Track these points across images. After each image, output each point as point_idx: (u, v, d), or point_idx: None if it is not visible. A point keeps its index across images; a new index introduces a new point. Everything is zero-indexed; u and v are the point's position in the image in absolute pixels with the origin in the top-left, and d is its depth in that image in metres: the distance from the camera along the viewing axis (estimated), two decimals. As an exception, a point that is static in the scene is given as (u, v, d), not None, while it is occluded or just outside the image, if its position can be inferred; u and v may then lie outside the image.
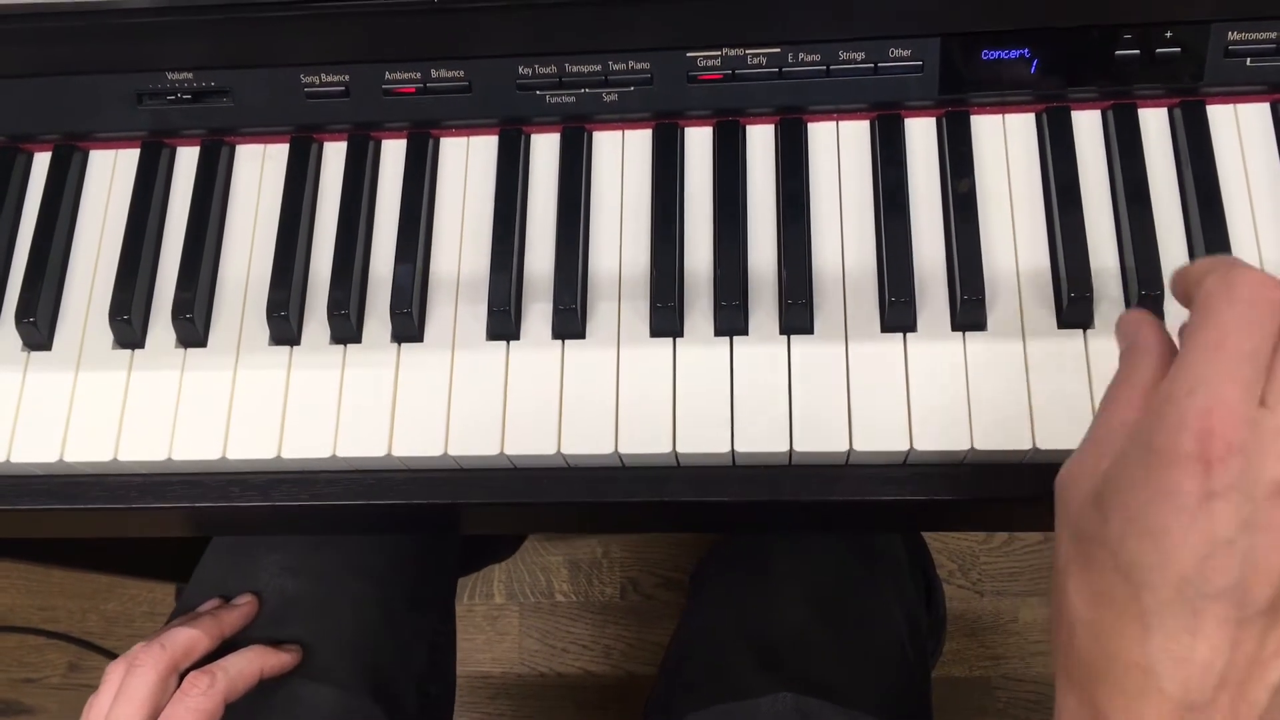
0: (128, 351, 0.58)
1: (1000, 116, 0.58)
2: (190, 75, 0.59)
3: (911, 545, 0.76)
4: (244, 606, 0.66)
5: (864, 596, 0.68)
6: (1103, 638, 0.38)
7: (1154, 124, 0.56)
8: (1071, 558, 0.39)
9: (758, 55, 0.57)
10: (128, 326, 0.58)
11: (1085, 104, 0.57)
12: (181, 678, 0.60)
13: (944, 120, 0.57)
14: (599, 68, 0.58)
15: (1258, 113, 0.56)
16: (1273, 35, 0.54)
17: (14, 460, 0.57)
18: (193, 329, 0.57)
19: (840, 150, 0.58)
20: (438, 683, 0.75)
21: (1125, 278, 0.54)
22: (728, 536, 0.75)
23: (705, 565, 0.76)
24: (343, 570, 0.69)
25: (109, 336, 0.59)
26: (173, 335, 0.58)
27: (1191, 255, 0.54)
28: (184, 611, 0.67)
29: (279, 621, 0.66)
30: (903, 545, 0.74)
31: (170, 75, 0.59)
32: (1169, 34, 0.54)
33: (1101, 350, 0.53)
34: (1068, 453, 0.42)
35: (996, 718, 1.29)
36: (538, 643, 1.38)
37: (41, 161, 0.62)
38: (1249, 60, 0.55)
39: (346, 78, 0.59)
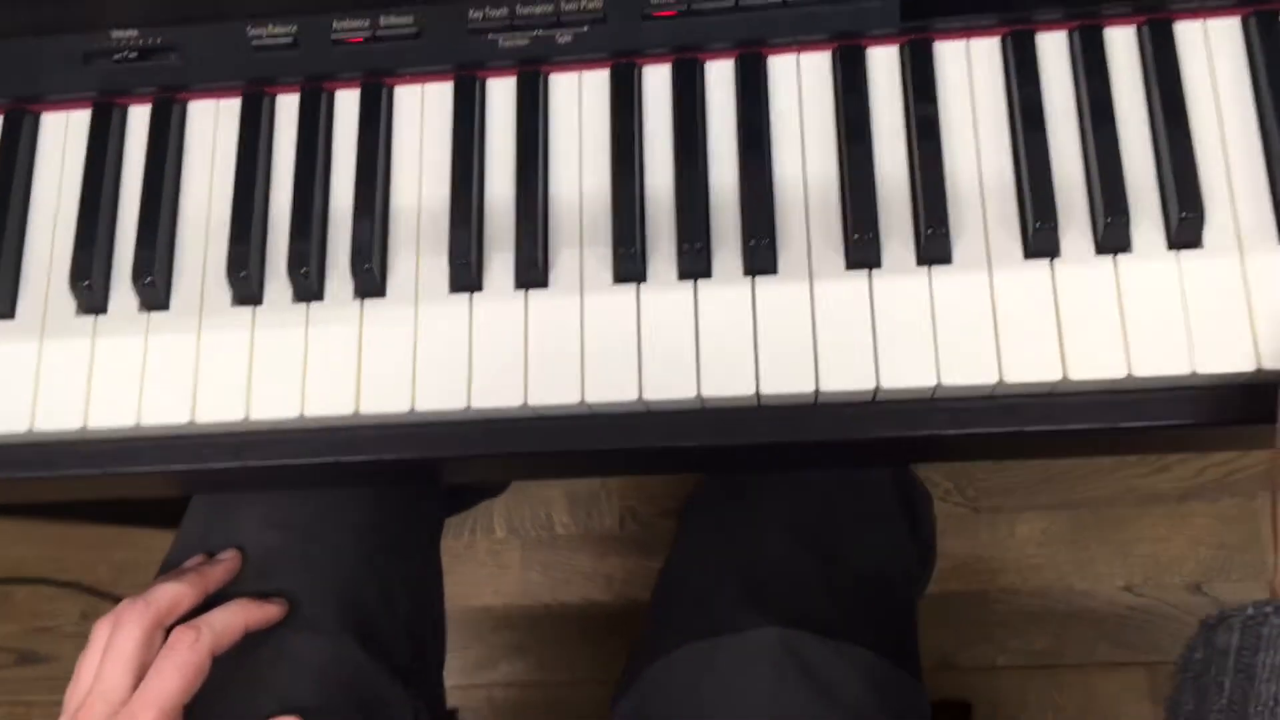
0: (91, 317, 0.58)
1: (964, 42, 0.56)
2: (136, 33, 0.58)
3: (896, 472, 0.76)
4: (227, 561, 0.66)
5: (848, 527, 0.68)
6: None
7: (1121, 43, 0.55)
8: None
9: (710, -10, 0.55)
10: (89, 292, 0.57)
11: (1051, 25, 0.55)
12: (168, 633, 0.61)
13: (906, 49, 0.56)
14: (551, 8, 0.56)
15: (1227, 28, 0.54)
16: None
17: (-15, 431, 0.57)
18: (154, 292, 0.57)
19: (801, 83, 0.57)
20: (425, 624, 0.76)
21: (1091, 201, 0.53)
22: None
23: (694, 499, 0.76)
24: (323, 522, 0.69)
25: (72, 303, 0.58)
26: (135, 299, 0.58)
27: (1159, 175, 0.53)
28: (169, 569, 0.68)
29: (263, 575, 0.67)
30: (887, 473, 0.74)
31: (115, 33, 0.58)
32: (1132, -52, 0.53)
33: (1069, 274, 0.52)
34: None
35: (996, 629, 1.31)
36: (540, 575, 1.40)
37: (-9, 125, 0.61)
38: (1211, -28, 0.53)
39: (294, 29, 0.58)
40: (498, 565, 1.41)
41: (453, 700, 0.93)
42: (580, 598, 1.38)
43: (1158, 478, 1.32)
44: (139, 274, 0.57)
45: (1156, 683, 1.27)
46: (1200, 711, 0.43)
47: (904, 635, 0.68)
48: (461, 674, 1.38)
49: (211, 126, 0.60)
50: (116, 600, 0.61)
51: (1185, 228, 0.51)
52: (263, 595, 0.66)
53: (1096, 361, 0.51)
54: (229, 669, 0.63)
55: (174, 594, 0.62)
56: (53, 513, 1.30)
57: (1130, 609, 1.29)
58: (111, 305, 0.58)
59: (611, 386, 0.54)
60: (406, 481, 0.72)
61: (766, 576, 0.66)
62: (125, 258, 0.58)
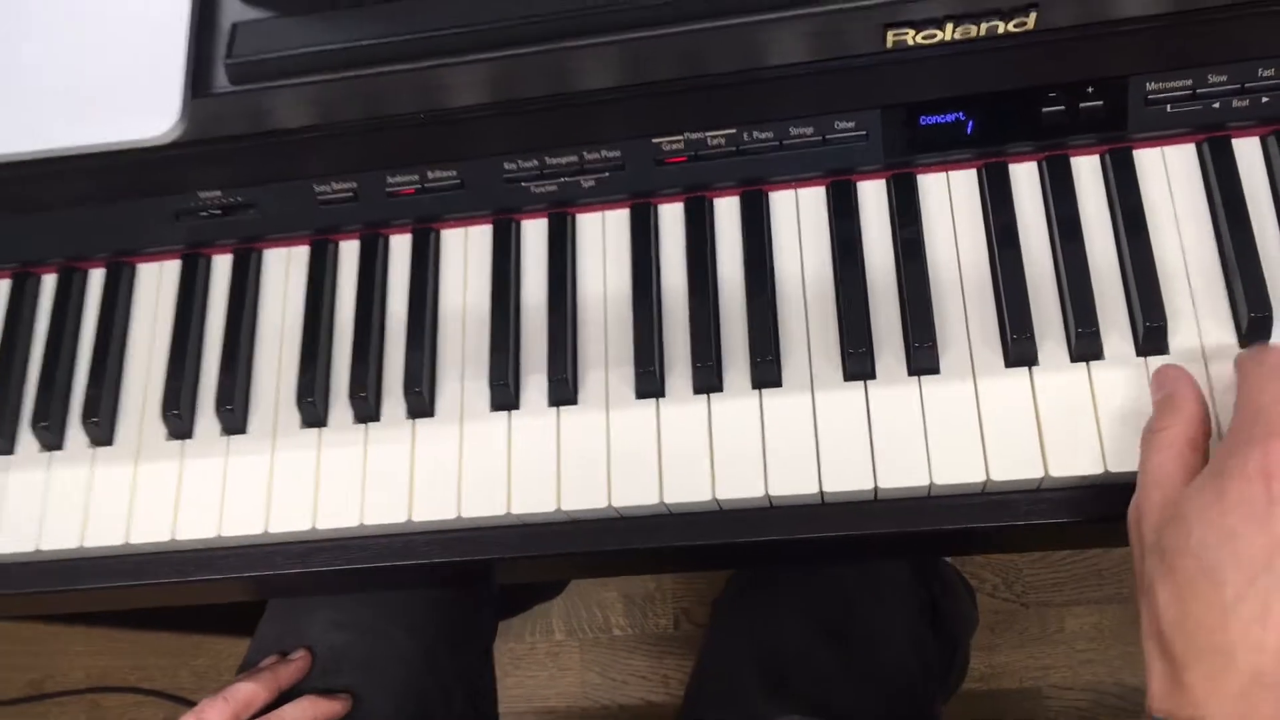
0: (179, 442, 0.66)
1: (945, 174, 0.62)
2: (219, 193, 0.67)
3: (919, 569, 0.80)
4: (298, 661, 0.73)
5: (866, 621, 0.73)
6: (1188, 631, 0.46)
7: (1087, 170, 0.61)
8: (1157, 573, 0.48)
9: (716, 137, 0.63)
10: (178, 419, 0.65)
11: (1023, 156, 0.62)
12: (246, 729, 0.67)
13: (892, 181, 0.63)
14: (575, 158, 0.64)
15: (1183, 153, 0.60)
16: (1188, 83, 0.58)
17: (86, 545, 0.64)
18: (233, 417, 0.65)
19: (800, 215, 0.64)
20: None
21: (1065, 314, 0.58)
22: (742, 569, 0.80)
23: (722, 596, 0.81)
24: (386, 622, 0.75)
25: (163, 429, 0.66)
26: (218, 424, 0.66)
27: (1125, 290, 0.58)
28: (245, 669, 0.74)
29: (330, 673, 0.73)
30: (906, 568, 0.78)
31: (201, 194, 0.67)
32: (1090, 90, 0.59)
33: (1049, 384, 0.57)
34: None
35: (1051, 727, 1.32)
36: (598, 676, 1.44)
37: (97, 277, 0.70)
38: (1169, 107, 0.59)
39: (354, 184, 0.66)
40: (558, 668, 1.45)
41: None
42: (638, 699, 1.42)
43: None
44: (222, 402, 0.65)
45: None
46: None
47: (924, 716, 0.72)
48: (526, 776, 1.42)
49: (284, 270, 0.68)
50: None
51: (1150, 336, 0.57)
52: (329, 692, 0.72)
53: (1074, 460, 0.56)
54: (298, 761, 0.69)
55: (250, 691, 0.69)
56: (136, 623, 1.38)
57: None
58: (197, 430, 0.66)
59: (635, 492, 0.60)
60: (458, 582, 0.78)
61: (787, 667, 0.70)
62: (209, 388, 0.66)
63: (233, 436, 0.65)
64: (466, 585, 0.81)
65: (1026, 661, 1.34)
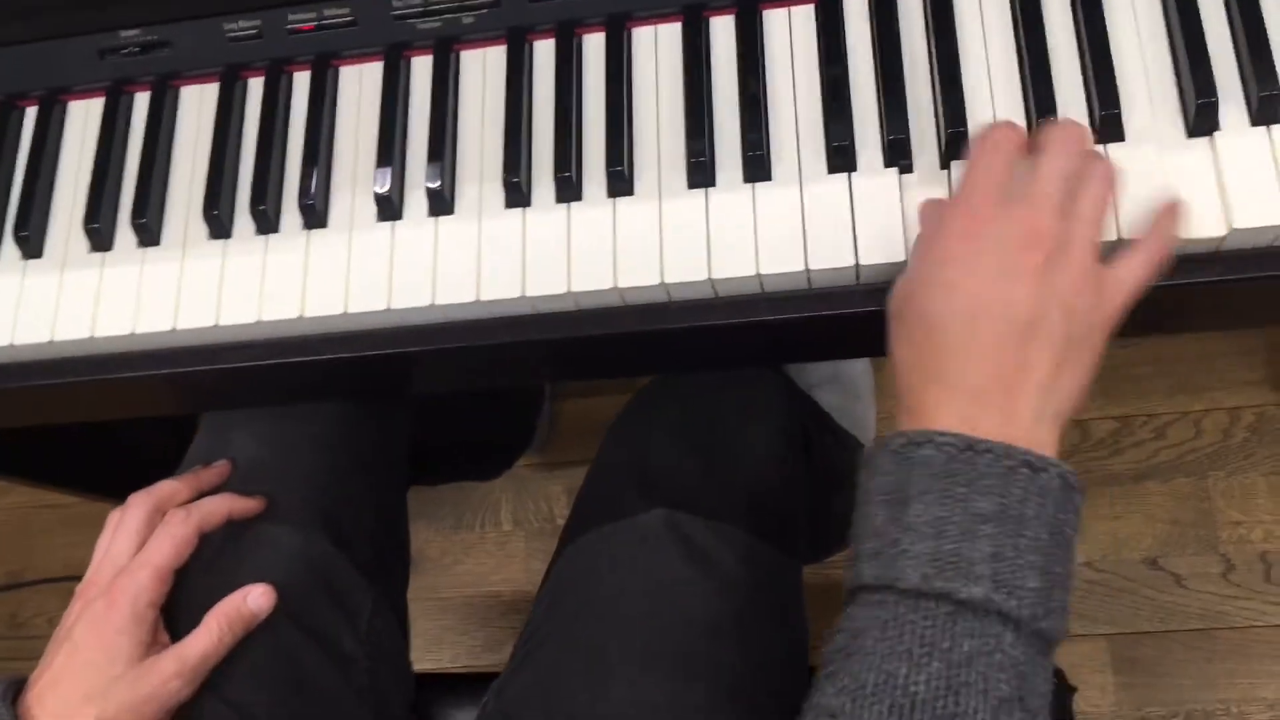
0: (100, 254, 0.73)
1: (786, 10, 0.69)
2: (137, 31, 0.74)
3: (795, 401, 0.87)
4: (218, 467, 0.80)
5: (732, 434, 0.80)
6: (918, 365, 0.55)
7: None
8: (898, 327, 0.57)
9: (580, -26, 0.70)
10: (98, 233, 0.73)
11: (853, -9, 0.68)
12: (167, 521, 0.75)
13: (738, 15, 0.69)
14: (456, -4, 0.71)
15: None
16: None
17: (16, 343, 0.72)
18: (147, 231, 0.72)
19: (658, 48, 0.71)
20: (389, 541, 0.88)
21: (881, 122, 0.65)
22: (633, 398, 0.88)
23: (613, 421, 0.88)
24: (301, 437, 0.83)
25: (85, 243, 0.73)
26: (134, 237, 0.73)
27: (934, 101, 0.65)
28: (170, 478, 0.82)
29: (248, 480, 0.80)
30: (783, 399, 0.85)
31: (121, 33, 0.74)
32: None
33: (864, 186, 0.64)
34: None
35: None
36: (543, 563, 1.50)
37: (30, 114, 0.77)
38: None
39: (259, 22, 0.73)
40: (505, 555, 1.53)
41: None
42: (579, 584, 1.49)
43: (1114, 460, 1.40)
44: (136, 216, 0.72)
45: (1116, 653, 1.34)
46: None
47: (785, 524, 0.79)
48: (470, 655, 1.50)
49: (197, 104, 0.75)
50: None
51: (951, 144, 0.63)
52: (247, 494, 0.79)
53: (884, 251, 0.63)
54: (216, 549, 0.76)
55: (171, 487, 0.76)
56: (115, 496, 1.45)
57: (1090, 583, 1.36)
58: (116, 244, 0.73)
59: (501, 287, 0.67)
60: (368, 398, 0.86)
61: (656, 471, 0.78)
62: (126, 206, 0.73)
63: (148, 249, 0.73)
64: (378, 407, 0.88)
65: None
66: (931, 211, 0.61)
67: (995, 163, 0.57)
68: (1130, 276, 0.56)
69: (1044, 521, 0.51)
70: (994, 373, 0.53)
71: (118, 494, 1.37)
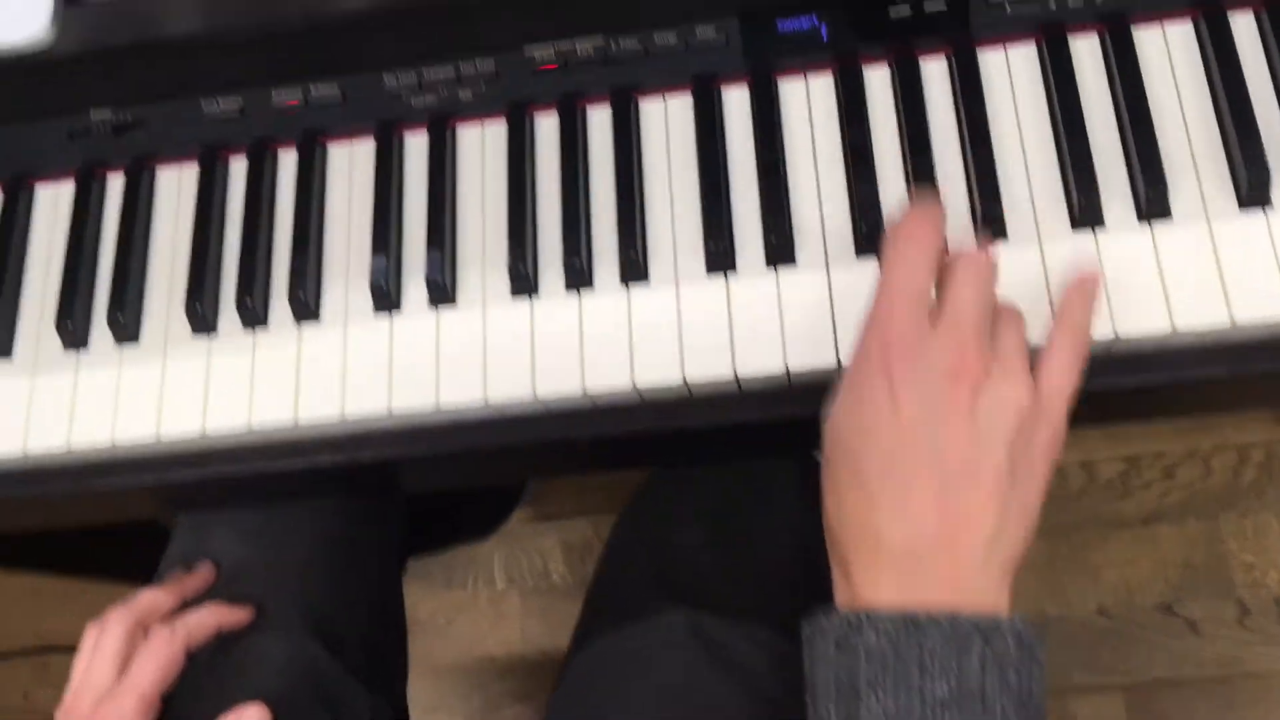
0: (74, 352, 0.68)
1: (803, 78, 0.65)
2: (109, 112, 0.69)
3: (805, 469, 0.82)
4: (202, 572, 0.75)
5: (750, 518, 0.76)
6: (846, 522, 0.48)
7: (935, 73, 0.64)
8: (825, 473, 0.50)
9: (585, 45, 0.65)
10: (71, 331, 0.67)
11: (875, 60, 0.64)
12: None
13: (753, 86, 0.65)
14: (452, 70, 0.66)
15: (1025, 54, 0.63)
16: (1025, -17, 0.61)
17: (-16, 453, 0.66)
18: (124, 328, 0.67)
19: (669, 121, 0.66)
20: (385, 636, 0.83)
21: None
22: (646, 482, 0.83)
23: (625, 507, 0.84)
24: (288, 534, 0.78)
25: (57, 341, 0.68)
26: (111, 335, 0.68)
27: (969, 192, 0.61)
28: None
29: (234, 584, 0.75)
30: (791, 469, 0.80)
31: (92, 113, 0.69)
32: (934, -10, 0.62)
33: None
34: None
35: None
36: (539, 622, 1.46)
37: (-3, 199, 0.72)
38: (1008, 7, 0.62)
39: (240, 100, 0.68)
40: (498, 615, 1.48)
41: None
42: (577, 643, 1.44)
43: (1122, 502, 1.37)
44: (113, 312, 0.67)
45: (1133, 704, 1.30)
46: None
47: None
48: (467, 720, 1.44)
49: (176, 186, 0.70)
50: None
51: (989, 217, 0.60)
52: (234, 601, 0.74)
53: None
54: (204, 667, 0.71)
55: (153, 599, 0.71)
56: (85, 575, 1.39)
57: (1103, 632, 1.33)
58: (91, 340, 0.68)
59: (511, 385, 0.62)
60: (360, 493, 0.81)
61: (674, 566, 0.73)
62: (103, 302, 0.68)
63: (125, 346, 0.67)
64: (371, 498, 0.83)
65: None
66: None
67: (913, 269, 0.50)
68: (1063, 381, 0.50)
69: (1008, 691, 0.45)
70: (931, 531, 0.46)
71: (88, 572, 1.32)
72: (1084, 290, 0.52)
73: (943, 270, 0.51)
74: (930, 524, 0.46)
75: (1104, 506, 1.36)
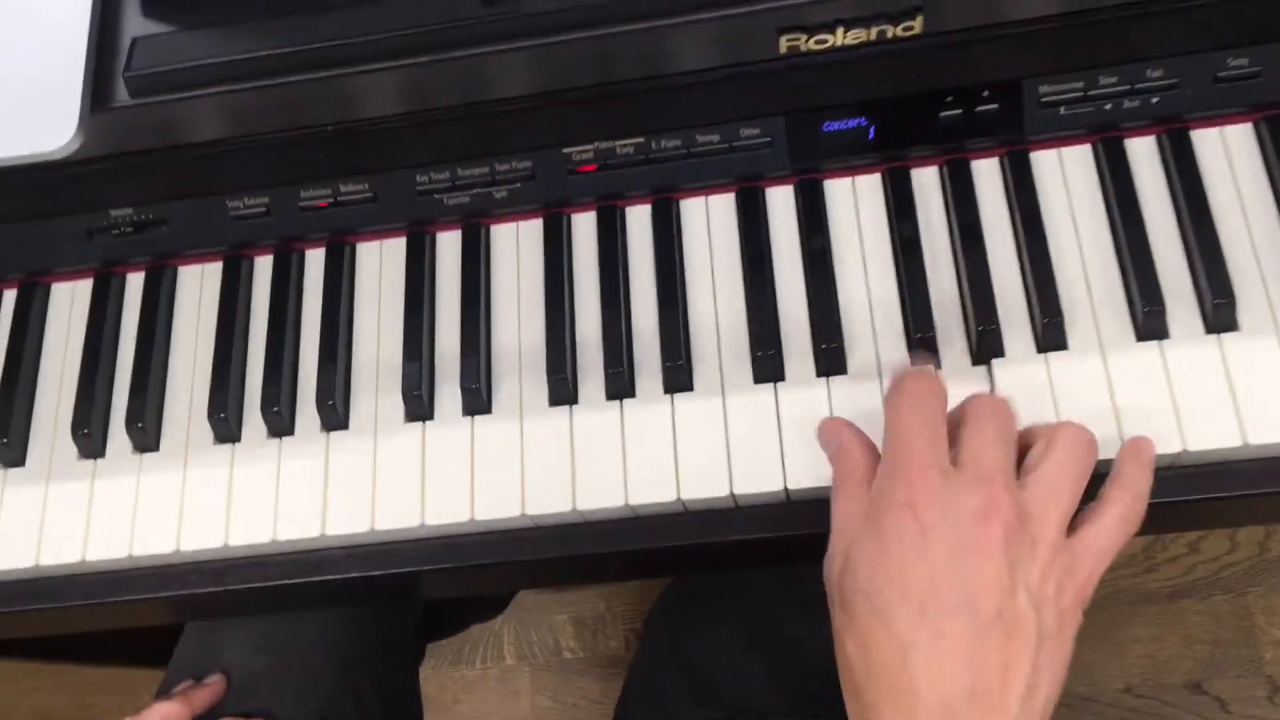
0: (91, 461, 0.65)
1: (850, 179, 0.63)
2: (130, 210, 0.67)
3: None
4: (213, 685, 0.72)
5: (790, 626, 0.73)
6: (873, 672, 0.45)
7: (987, 173, 0.62)
8: (841, 621, 0.47)
9: (625, 145, 0.63)
10: (88, 439, 0.65)
11: (924, 161, 0.63)
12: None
13: (798, 187, 0.63)
14: (486, 169, 0.64)
15: (1080, 154, 0.61)
16: (1080, 85, 0.60)
17: (-4, 568, 0.63)
18: (144, 436, 0.64)
19: (710, 222, 0.64)
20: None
21: (965, 315, 0.59)
22: (675, 579, 0.80)
23: (653, 610, 0.81)
24: (303, 643, 0.75)
25: (74, 449, 0.65)
26: (129, 442, 0.65)
27: (1025, 289, 0.59)
28: (162, 695, 0.73)
29: (246, 696, 0.72)
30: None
31: (113, 212, 0.67)
32: (985, 93, 0.60)
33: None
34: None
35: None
36: (550, 700, 1.43)
37: (9, 298, 0.70)
38: (1063, 109, 0.60)
39: (267, 199, 0.66)
40: (509, 692, 1.44)
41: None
42: (589, 723, 1.41)
43: (1146, 577, 1.34)
44: (131, 420, 0.64)
45: (1164, 785, 1.27)
46: None
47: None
48: (477, 803, 1.40)
49: (198, 286, 0.68)
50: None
51: (1049, 331, 0.57)
52: (246, 715, 0.71)
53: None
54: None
55: (163, 714, 0.68)
56: (80, 657, 1.35)
57: (1131, 711, 1.30)
58: (109, 449, 0.65)
59: (549, 500, 0.60)
60: (379, 600, 0.78)
61: (711, 673, 0.70)
62: (121, 407, 0.66)
63: (145, 454, 0.65)
64: (388, 603, 0.80)
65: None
66: (833, 435, 0.53)
67: (926, 420, 0.48)
68: (1104, 542, 0.48)
69: None
70: (966, 684, 0.43)
71: (85, 659, 1.28)
72: (1140, 457, 0.51)
73: (957, 419, 0.50)
74: (966, 677, 0.44)
75: (1129, 582, 1.33)
